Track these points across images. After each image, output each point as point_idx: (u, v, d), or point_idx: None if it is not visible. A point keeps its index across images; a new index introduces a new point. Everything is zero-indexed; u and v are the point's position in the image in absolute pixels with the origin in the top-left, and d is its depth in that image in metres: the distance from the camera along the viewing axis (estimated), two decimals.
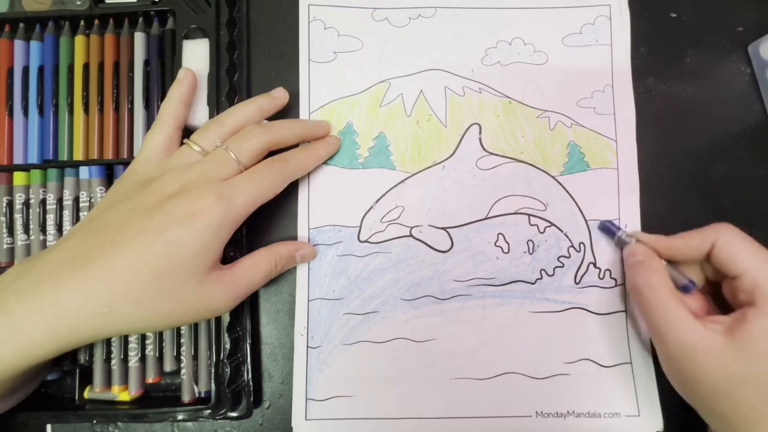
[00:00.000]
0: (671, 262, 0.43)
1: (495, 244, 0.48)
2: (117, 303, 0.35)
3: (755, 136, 0.50)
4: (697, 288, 0.43)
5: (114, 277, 0.35)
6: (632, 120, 0.49)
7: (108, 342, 0.45)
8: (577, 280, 0.47)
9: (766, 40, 0.48)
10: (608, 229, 0.47)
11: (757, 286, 0.38)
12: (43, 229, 0.46)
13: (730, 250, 0.40)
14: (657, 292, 0.40)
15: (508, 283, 0.47)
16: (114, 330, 0.37)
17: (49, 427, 0.46)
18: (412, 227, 0.48)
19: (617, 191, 0.48)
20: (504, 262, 0.47)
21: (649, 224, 0.48)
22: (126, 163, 0.44)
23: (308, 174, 0.48)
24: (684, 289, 0.42)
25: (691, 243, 0.42)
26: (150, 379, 0.45)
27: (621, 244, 0.46)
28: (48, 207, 0.46)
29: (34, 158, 0.46)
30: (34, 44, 0.47)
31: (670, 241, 0.43)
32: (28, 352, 0.35)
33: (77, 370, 0.45)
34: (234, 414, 0.45)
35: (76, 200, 0.45)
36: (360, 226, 0.48)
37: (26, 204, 0.46)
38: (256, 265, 0.42)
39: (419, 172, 0.48)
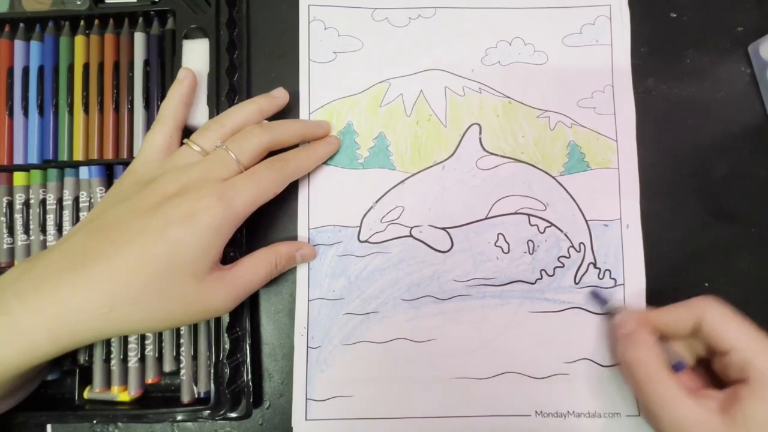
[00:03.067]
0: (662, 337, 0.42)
1: (495, 245, 0.48)
2: (117, 303, 0.35)
3: (755, 136, 0.50)
4: (689, 366, 0.42)
5: (114, 277, 0.35)
6: (632, 120, 0.49)
7: (108, 342, 0.45)
8: (577, 281, 0.47)
9: (766, 40, 0.48)
10: (598, 297, 0.47)
11: (747, 363, 0.38)
12: (43, 229, 0.45)
13: (718, 327, 0.39)
14: (648, 369, 0.39)
15: (508, 283, 0.47)
16: (114, 330, 0.37)
17: (49, 427, 0.46)
18: (412, 227, 0.48)
19: (618, 191, 0.48)
20: (504, 262, 0.47)
21: (649, 224, 0.48)
22: (126, 164, 0.44)
23: (308, 174, 0.48)
24: (675, 367, 0.40)
25: (677, 317, 0.41)
26: (149, 380, 0.45)
27: (610, 313, 0.46)
28: (48, 207, 0.46)
29: (34, 158, 0.46)
30: (34, 44, 0.47)
31: (658, 315, 0.42)
32: (29, 352, 0.35)
33: (77, 371, 0.45)
34: (234, 414, 0.45)
35: (76, 200, 0.45)
36: (360, 226, 0.48)
37: (26, 204, 0.46)
38: (256, 266, 0.42)
39: (419, 172, 0.48)
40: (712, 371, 0.41)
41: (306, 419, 0.46)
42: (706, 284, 0.48)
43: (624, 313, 0.44)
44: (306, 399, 0.46)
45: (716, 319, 0.39)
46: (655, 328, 0.42)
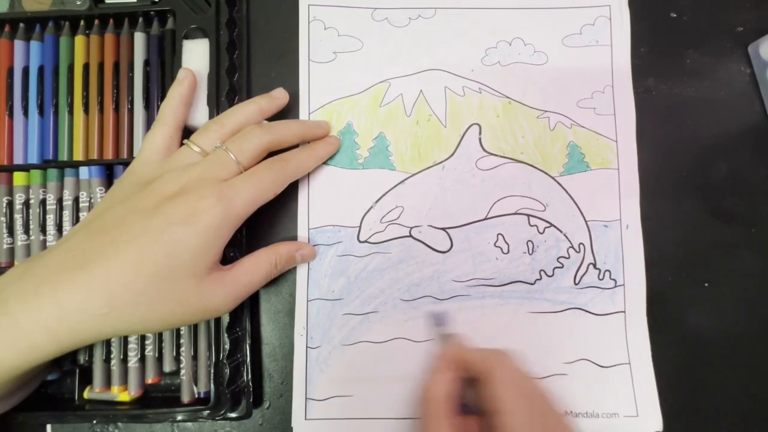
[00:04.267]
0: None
1: (494, 245, 0.48)
2: (117, 304, 0.35)
3: (755, 136, 0.50)
4: (477, 411, 0.39)
5: (114, 277, 0.35)
6: (632, 120, 0.49)
7: (107, 342, 0.45)
8: (577, 281, 0.47)
9: (766, 40, 0.48)
10: (436, 318, 0.46)
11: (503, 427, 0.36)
12: (43, 229, 0.46)
13: (497, 382, 0.38)
14: (434, 402, 0.38)
15: (508, 284, 0.47)
16: (114, 331, 0.37)
17: (48, 427, 0.47)
18: (411, 227, 0.48)
19: (618, 192, 0.48)
20: (503, 262, 0.47)
21: (649, 224, 0.48)
22: (126, 164, 0.44)
23: (308, 174, 0.48)
24: (463, 409, 0.39)
25: (475, 362, 0.40)
26: (149, 380, 0.45)
27: (440, 338, 0.45)
28: (48, 207, 0.46)
29: (34, 158, 0.46)
30: (34, 44, 0.47)
31: (463, 354, 0.41)
32: (29, 352, 0.35)
33: (77, 371, 0.45)
34: (234, 414, 0.45)
35: (76, 200, 0.45)
36: (360, 227, 0.48)
37: (26, 204, 0.46)
38: (256, 266, 0.42)
39: (419, 172, 0.48)
40: None
41: (306, 419, 0.46)
42: (706, 284, 0.48)
43: (443, 346, 0.44)
44: (306, 398, 0.46)
45: (500, 373, 0.38)
46: (463, 366, 0.41)
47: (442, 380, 0.40)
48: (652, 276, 0.48)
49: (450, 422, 0.38)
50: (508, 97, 0.50)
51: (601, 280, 0.47)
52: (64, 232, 0.45)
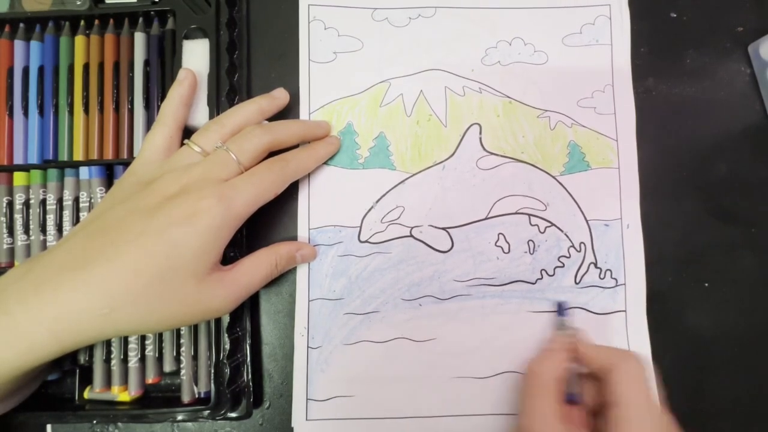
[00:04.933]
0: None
1: (495, 244, 0.48)
2: (118, 304, 0.35)
3: (755, 136, 0.50)
4: (582, 403, 0.42)
5: (114, 278, 0.35)
6: (632, 119, 0.49)
7: (108, 342, 0.45)
8: (578, 280, 0.47)
9: (766, 40, 0.48)
10: (561, 309, 0.47)
11: (620, 422, 0.37)
12: (43, 229, 0.45)
13: (621, 376, 0.39)
14: (542, 383, 0.40)
15: (509, 283, 0.47)
16: (115, 331, 0.37)
17: (49, 427, 0.46)
18: (412, 227, 0.48)
19: (618, 191, 0.48)
20: (504, 262, 0.47)
21: (650, 224, 0.48)
22: (126, 164, 0.44)
23: (308, 174, 0.48)
24: (568, 397, 0.41)
25: (597, 356, 0.41)
26: (150, 380, 0.45)
27: (558, 326, 0.46)
28: (48, 207, 0.45)
29: (34, 158, 0.46)
30: (34, 44, 0.47)
31: (585, 348, 0.42)
32: (30, 353, 0.35)
33: (77, 371, 0.45)
34: (234, 414, 0.45)
35: (76, 200, 0.45)
36: (360, 227, 0.48)
37: (26, 204, 0.46)
38: (257, 266, 0.42)
39: (419, 172, 0.48)
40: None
41: (307, 419, 0.46)
42: (706, 284, 0.48)
43: (562, 333, 0.45)
44: (307, 399, 0.46)
45: (623, 371, 0.39)
46: (578, 358, 0.42)
47: (555, 361, 0.41)
48: (652, 276, 0.48)
49: (555, 403, 0.39)
50: (508, 97, 0.50)
51: (602, 279, 0.47)
52: (65, 233, 0.45)
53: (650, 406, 0.39)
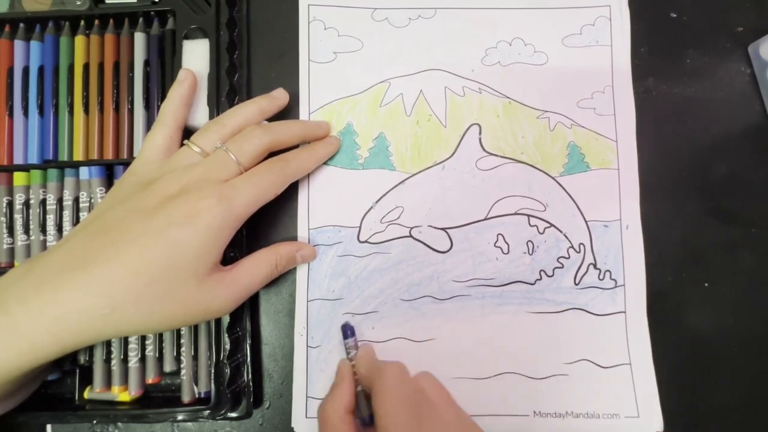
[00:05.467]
0: None
1: (494, 245, 0.48)
2: (118, 304, 0.35)
3: (755, 136, 0.50)
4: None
5: (115, 278, 0.35)
6: (632, 120, 0.49)
7: (108, 342, 0.45)
8: (577, 281, 0.47)
9: (766, 40, 0.48)
10: (346, 329, 0.46)
11: None
12: (43, 229, 0.46)
13: (377, 391, 0.39)
14: (333, 424, 0.39)
15: (508, 284, 0.47)
16: (115, 331, 0.37)
17: (49, 427, 0.47)
18: (411, 228, 0.48)
19: (618, 192, 0.48)
20: (503, 262, 0.47)
21: (649, 224, 0.48)
22: (126, 164, 0.44)
23: (308, 174, 0.48)
24: (363, 420, 0.41)
25: (365, 376, 0.41)
26: (150, 380, 0.45)
27: (347, 350, 0.45)
28: (48, 207, 0.46)
29: (34, 158, 0.46)
30: (34, 44, 0.47)
31: (359, 370, 0.43)
32: (30, 353, 0.35)
33: (77, 371, 0.45)
34: (234, 414, 0.45)
35: (76, 200, 0.45)
36: (360, 227, 0.48)
37: (26, 204, 0.46)
38: (257, 266, 0.42)
39: (419, 172, 0.48)
40: None
41: (306, 417, 0.46)
42: (706, 284, 0.48)
43: (343, 361, 0.45)
44: (306, 397, 0.46)
45: (384, 385, 0.39)
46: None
47: (344, 393, 0.41)
48: (652, 276, 0.48)
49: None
50: (508, 97, 0.50)
51: (601, 280, 0.47)
52: (65, 233, 0.45)
53: (407, 413, 0.38)
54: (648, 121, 0.50)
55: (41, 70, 0.47)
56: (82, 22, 0.48)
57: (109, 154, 0.46)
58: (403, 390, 0.39)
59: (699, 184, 0.49)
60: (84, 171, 0.46)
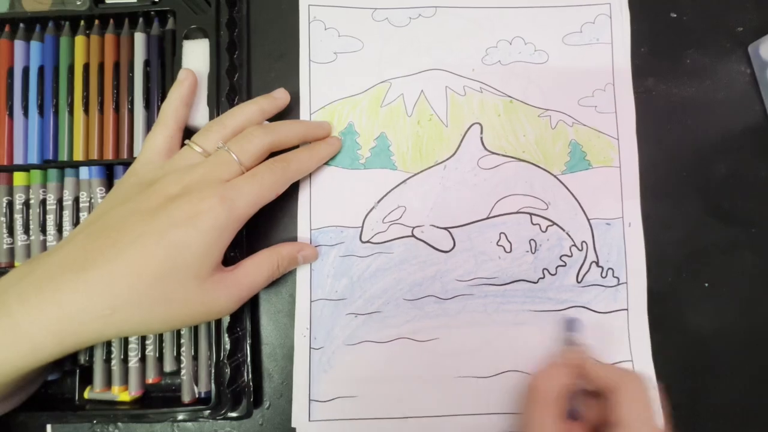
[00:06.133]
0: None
1: (497, 244, 0.48)
2: (119, 305, 0.35)
3: (755, 136, 0.50)
4: (583, 419, 0.42)
5: (116, 279, 0.35)
6: (633, 118, 0.50)
7: (108, 342, 0.44)
8: (579, 279, 0.47)
9: (766, 40, 0.49)
10: (571, 324, 0.46)
11: None
12: (43, 229, 0.45)
13: (625, 397, 0.39)
14: (545, 398, 0.40)
15: (510, 283, 0.47)
16: (116, 332, 0.37)
17: (49, 427, 0.46)
18: (414, 227, 0.48)
19: (620, 189, 0.48)
20: (506, 261, 0.47)
21: (650, 224, 0.48)
22: (126, 164, 0.44)
23: (310, 175, 0.48)
24: (570, 413, 0.41)
25: (603, 375, 0.41)
26: (150, 380, 0.45)
27: (566, 341, 0.46)
28: (48, 207, 0.45)
29: (34, 158, 0.46)
30: (34, 44, 0.47)
31: (592, 366, 0.42)
32: (31, 354, 0.35)
33: (77, 371, 0.45)
34: (234, 414, 0.45)
35: (76, 201, 0.45)
36: (362, 227, 0.48)
37: (26, 204, 0.46)
38: (259, 267, 0.42)
39: (421, 172, 0.48)
40: None
41: (309, 420, 0.45)
42: (706, 284, 0.48)
43: (569, 350, 0.45)
44: (309, 400, 0.46)
45: (626, 391, 0.39)
46: (583, 375, 0.42)
47: (558, 377, 0.41)
48: (652, 275, 0.48)
49: (556, 418, 0.39)
50: (509, 96, 0.50)
51: (603, 278, 0.47)
52: (65, 233, 0.45)
53: (652, 429, 0.38)
54: (648, 121, 0.50)
55: (41, 70, 0.47)
56: (82, 22, 0.48)
57: (109, 154, 0.46)
58: (650, 405, 0.40)
59: (699, 184, 0.49)
60: (84, 171, 0.45)
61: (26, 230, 0.46)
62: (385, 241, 0.48)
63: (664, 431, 0.40)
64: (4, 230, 0.45)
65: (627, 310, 0.47)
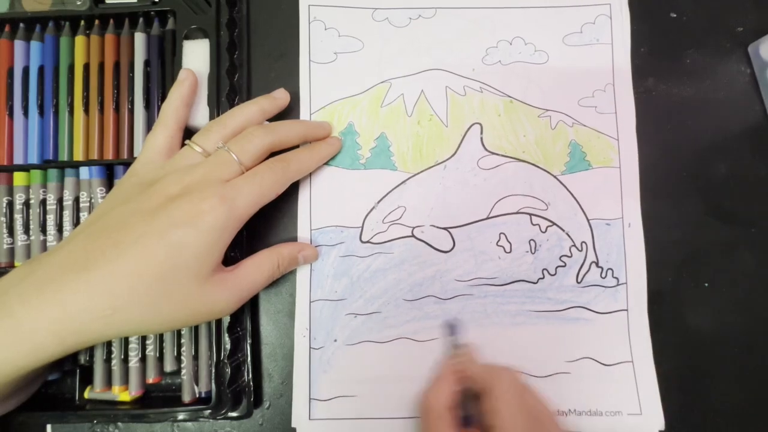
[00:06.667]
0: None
1: (497, 244, 0.48)
2: (120, 305, 0.35)
3: (755, 136, 0.50)
4: (478, 422, 0.41)
5: (117, 279, 0.35)
6: (633, 118, 0.50)
7: (108, 342, 0.44)
8: (579, 280, 0.47)
9: (766, 40, 0.49)
10: (451, 327, 0.46)
11: None
12: (43, 229, 0.45)
13: (496, 397, 0.39)
14: (436, 412, 0.40)
15: (510, 283, 0.47)
16: (117, 332, 0.37)
17: (49, 427, 0.46)
18: (414, 227, 0.48)
19: (620, 190, 0.48)
20: (506, 261, 0.47)
21: (649, 224, 0.48)
22: (126, 164, 0.44)
23: (310, 175, 0.48)
24: (464, 419, 0.41)
25: (479, 376, 0.41)
26: (150, 380, 0.45)
27: (451, 347, 0.45)
28: (48, 207, 0.45)
29: (34, 158, 0.46)
30: (35, 44, 0.47)
31: (470, 369, 0.42)
32: (32, 354, 0.35)
33: (77, 371, 0.45)
34: (234, 414, 0.45)
35: (77, 201, 0.45)
36: (362, 227, 0.48)
37: (26, 204, 0.46)
38: (259, 267, 0.42)
39: (421, 172, 0.48)
40: None
41: (310, 419, 0.46)
42: (706, 284, 0.48)
43: (452, 355, 0.45)
44: (309, 399, 0.46)
45: (499, 390, 0.39)
46: (466, 378, 0.42)
47: (445, 390, 0.41)
48: (652, 276, 0.48)
49: (451, 428, 0.39)
50: (509, 96, 0.50)
51: (603, 278, 0.47)
52: (65, 233, 0.45)
53: (528, 425, 0.38)
54: (648, 121, 0.50)
55: (41, 70, 0.47)
56: (82, 22, 0.48)
57: (109, 154, 0.46)
58: (523, 397, 0.40)
59: (699, 184, 0.49)
60: (84, 171, 0.45)
61: (26, 230, 0.46)
62: (385, 242, 0.48)
63: (542, 422, 0.40)
64: (4, 230, 0.45)
65: (627, 310, 0.47)
